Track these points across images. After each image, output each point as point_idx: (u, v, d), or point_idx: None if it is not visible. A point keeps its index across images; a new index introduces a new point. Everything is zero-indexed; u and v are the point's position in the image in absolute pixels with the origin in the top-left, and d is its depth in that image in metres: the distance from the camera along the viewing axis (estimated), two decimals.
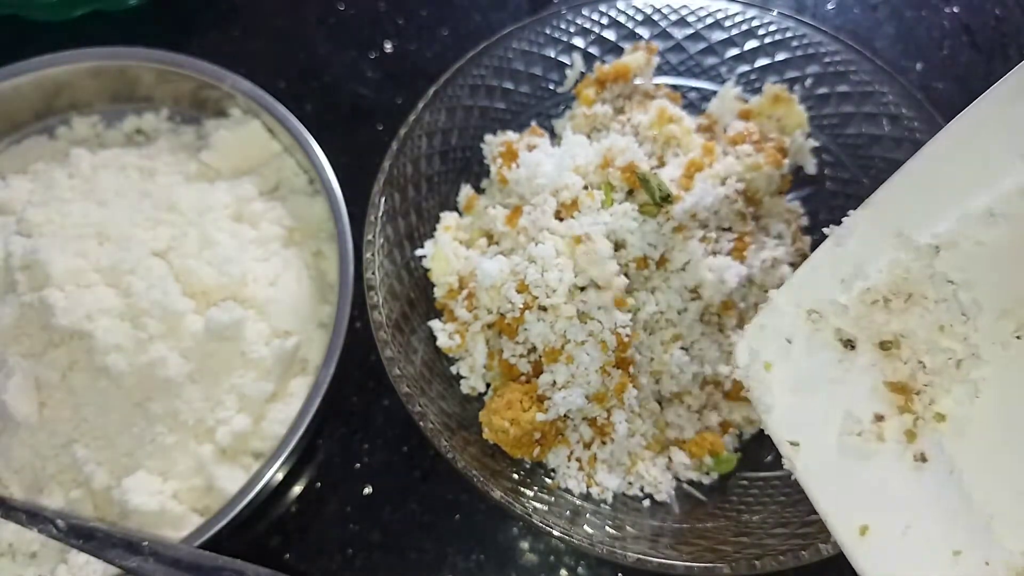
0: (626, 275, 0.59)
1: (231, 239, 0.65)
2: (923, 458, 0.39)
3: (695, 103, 0.76)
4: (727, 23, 0.75)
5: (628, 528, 0.56)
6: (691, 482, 0.61)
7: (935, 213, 0.40)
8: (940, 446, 0.38)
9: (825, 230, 0.44)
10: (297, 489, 0.65)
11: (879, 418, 0.40)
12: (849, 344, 0.42)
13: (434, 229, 0.67)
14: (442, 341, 0.62)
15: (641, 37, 0.75)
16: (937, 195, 0.40)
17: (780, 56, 0.73)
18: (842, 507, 0.40)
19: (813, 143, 0.70)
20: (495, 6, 0.91)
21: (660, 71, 0.75)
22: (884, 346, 0.41)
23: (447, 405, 0.59)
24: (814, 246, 0.69)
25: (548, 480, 0.58)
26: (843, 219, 0.43)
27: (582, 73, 0.74)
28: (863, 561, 0.39)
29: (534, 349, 0.59)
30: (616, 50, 0.75)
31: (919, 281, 0.40)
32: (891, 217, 0.41)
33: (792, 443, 0.42)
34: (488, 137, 0.71)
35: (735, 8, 0.74)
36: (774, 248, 0.65)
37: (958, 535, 0.37)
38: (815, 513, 0.54)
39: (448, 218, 0.67)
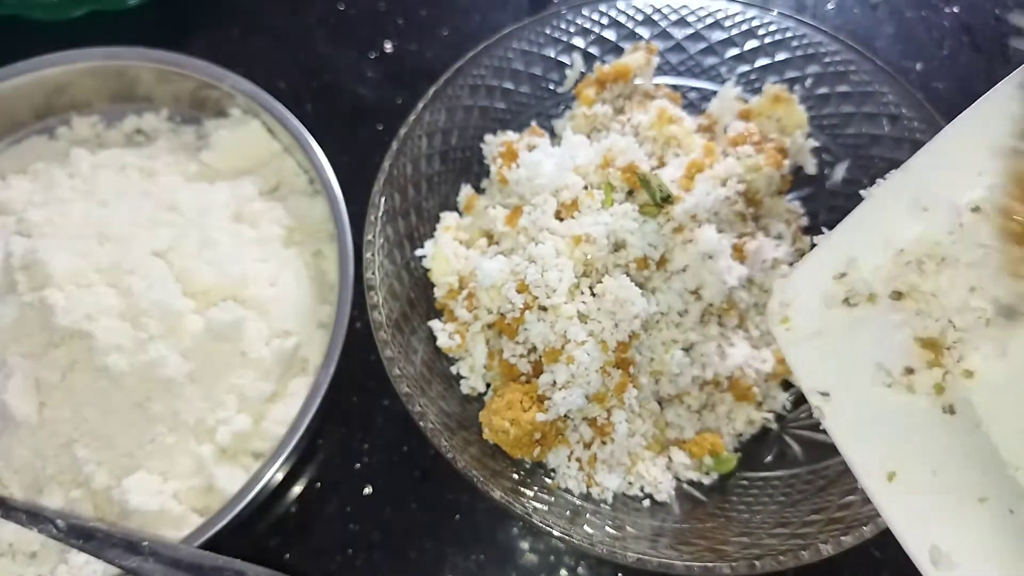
0: (627, 275, 0.59)
1: (231, 239, 0.65)
2: (951, 410, 0.40)
3: (695, 103, 0.76)
4: (727, 23, 0.75)
5: (628, 528, 0.56)
6: (691, 482, 0.61)
7: (968, 179, 0.41)
8: (968, 400, 0.40)
9: (862, 192, 0.45)
10: (297, 489, 0.65)
11: (909, 371, 0.41)
12: (897, 295, 0.43)
13: (434, 229, 0.67)
14: (442, 341, 0.62)
15: (641, 37, 0.75)
16: (970, 162, 0.41)
17: (780, 56, 0.73)
18: (870, 455, 0.42)
19: (813, 143, 0.70)
20: (495, 6, 0.91)
21: (660, 71, 0.75)
22: (904, 297, 0.42)
23: (447, 405, 0.59)
24: (814, 246, 0.69)
25: (548, 480, 0.58)
26: (878, 180, 0.44)
27: (582, 73, 0.74)
28: (889, 505, 0.40)
29: (534, 349, 0.59)
30: (616, 50, 0.75)
31: (951, 244, 0.41)
32: (925, 181, 0.42)
33: (823, 393, 0.44)
34: (488, 137, 0.71)
35: (735, 8, 0.74)
36: (774, 248, 0.65)
37: (984, 484, 0.38)
38: (815, 513, 0.54)
39: (448, 218, 0.67)
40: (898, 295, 0.42)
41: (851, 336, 0.44)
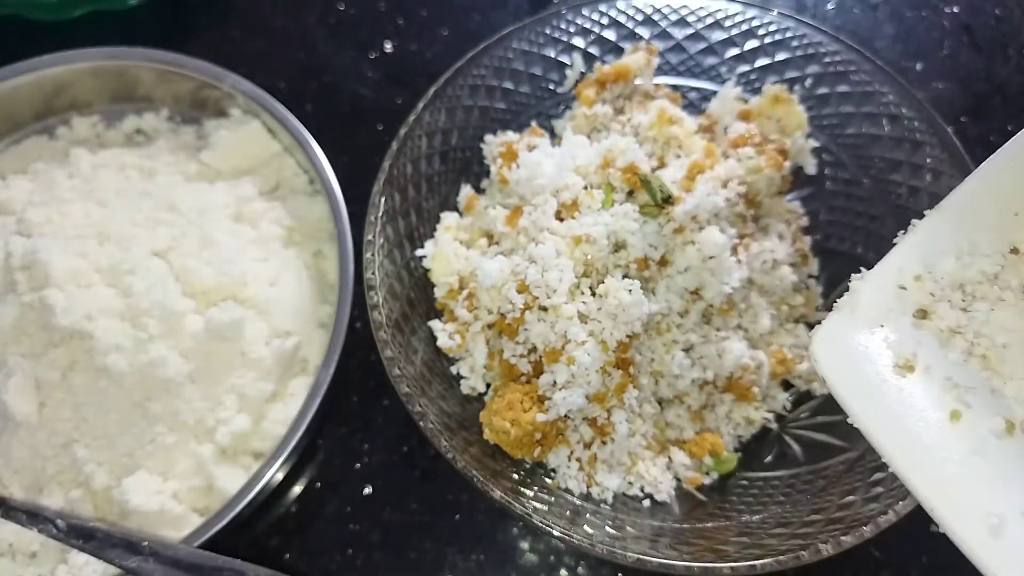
0: (626, 276, 0.59)
1: (231, 239, 0.65)
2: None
3: (695, 103, 0.76)
4: (727, 23, 0.75)
5: (628, 528, 0.56)
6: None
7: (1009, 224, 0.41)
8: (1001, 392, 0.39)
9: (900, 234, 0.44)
10: (297, 489, 0.65)
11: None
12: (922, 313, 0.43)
13: (434, 229, 0.67)
14: (442, 341, 0.62)
15: (641, 37, 0.75)
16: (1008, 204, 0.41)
17: (780, 56, 0.73)
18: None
19: (813, 143, 0.70)
20: (495, 6, 0.91)
21: (660, 71, 0.75)
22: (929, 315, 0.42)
23: (447, 405, 0.59)
24: (814, 246, 0.69)
25: (548, 480, 0.58)
26: (914, 220, 0.44)
27: (582, 73, 0.74)
28: (928, 487, 0.38)
29: (534, 349, 0.59)
30: (616, 50, 0.75)
31: (990, 280, 0.41)
32: (966, 223, 0.42)
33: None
34: (488, 137, 0.71)
35: (735, 8, 0.74)
36: (774, 249, 0.65)
37: None
38: (815, 513, 0.54)
39: (448, 218, 0.67)
40: (923, 313, 0.42)
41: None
